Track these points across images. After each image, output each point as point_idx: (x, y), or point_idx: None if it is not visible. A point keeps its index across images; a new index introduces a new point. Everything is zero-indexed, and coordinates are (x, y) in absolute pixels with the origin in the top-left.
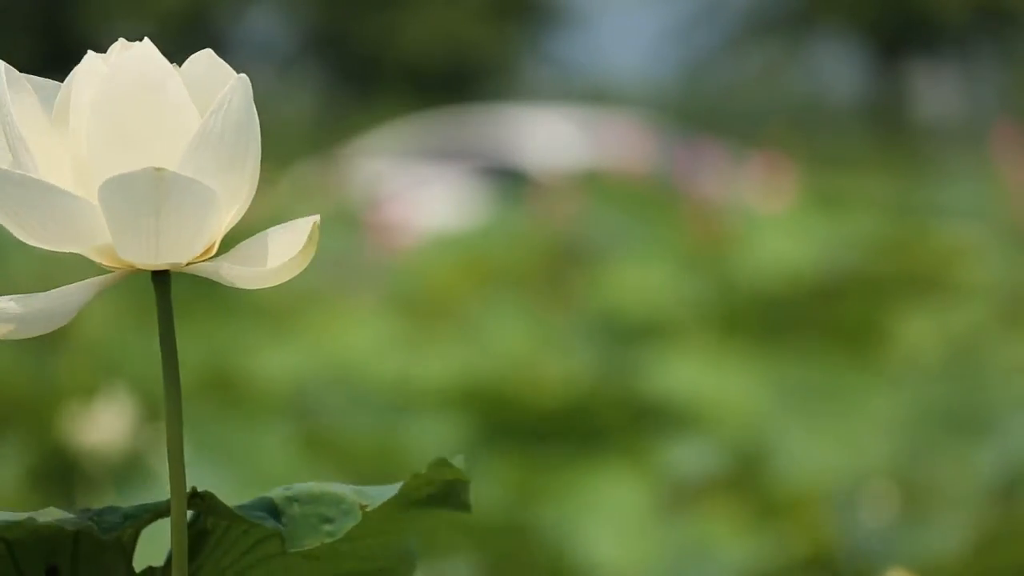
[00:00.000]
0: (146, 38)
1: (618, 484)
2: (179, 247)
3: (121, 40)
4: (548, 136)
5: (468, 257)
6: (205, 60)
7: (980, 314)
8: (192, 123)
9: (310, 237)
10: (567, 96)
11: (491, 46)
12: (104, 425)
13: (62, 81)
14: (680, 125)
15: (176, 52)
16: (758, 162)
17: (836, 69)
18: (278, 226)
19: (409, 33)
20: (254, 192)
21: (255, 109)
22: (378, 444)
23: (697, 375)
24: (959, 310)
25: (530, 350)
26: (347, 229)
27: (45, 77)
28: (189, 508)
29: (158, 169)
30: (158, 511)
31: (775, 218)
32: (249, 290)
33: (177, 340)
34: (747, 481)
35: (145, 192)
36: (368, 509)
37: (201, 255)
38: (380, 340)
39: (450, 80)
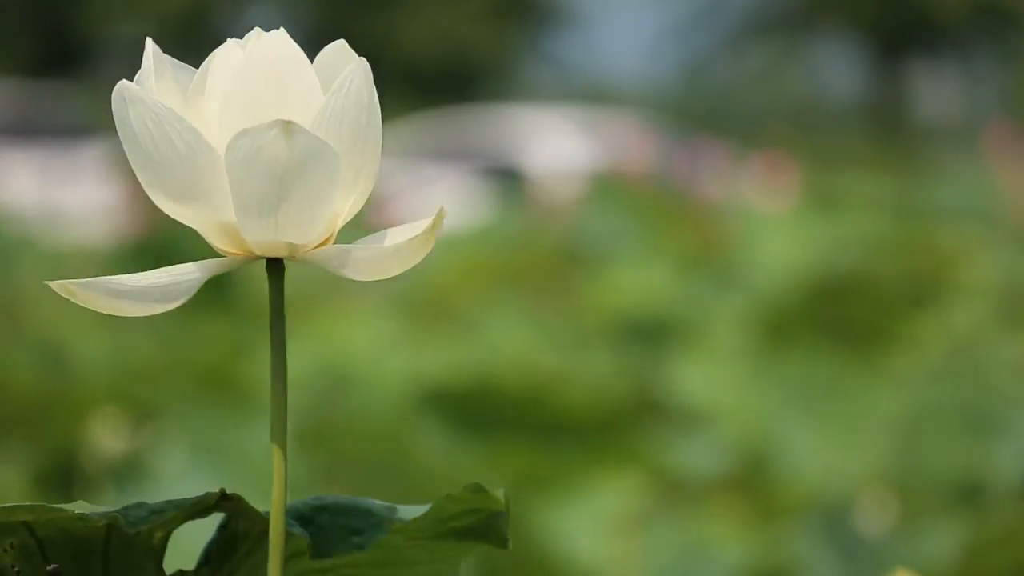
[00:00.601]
0: (281, 28)
1: (620, 483)
2: (299, 224)
3: (257, 28)
4: (548, 136)
5: (468, 257)
6: (337, 51)
7: (981, 314)
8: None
9: (434, 223)
10: (567, 96)
11: (491, 46)
12: (105, 427)
13: (62, 81)
14: (680, 125)
15: (176, 52)
16: (758, 162)
17: (836, 69)
18: (396, 227)
19: (409, 33)
20: (373, 182)
21: (376, 93)
22: (380, 444)
23: (698, 375)
24: (960, 310)
25: (531, 350)
26: (347, 229)
27: (45, 77)
28: (217, 510)
29: (287, 122)
30: (183, 508)
31: (776, 218)
32: (251, 291)
33: (177, 341)
34: (750, 481)
35: (272, 148)
36: (397, 525)
37: (318, 245)
38: (381, 340)
39: (450, 80)
